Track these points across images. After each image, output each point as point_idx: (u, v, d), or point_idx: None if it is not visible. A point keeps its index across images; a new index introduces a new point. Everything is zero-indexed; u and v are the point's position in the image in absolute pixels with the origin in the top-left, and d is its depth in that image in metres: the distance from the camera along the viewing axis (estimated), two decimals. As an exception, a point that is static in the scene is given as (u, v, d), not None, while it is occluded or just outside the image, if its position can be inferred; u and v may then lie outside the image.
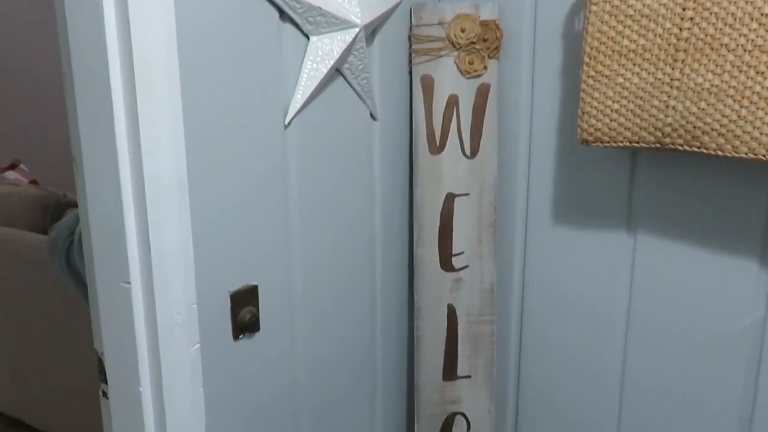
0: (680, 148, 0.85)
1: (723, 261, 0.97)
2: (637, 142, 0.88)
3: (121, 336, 0.82)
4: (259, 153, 0.87)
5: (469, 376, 1.18)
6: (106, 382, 0.89)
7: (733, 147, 0.80)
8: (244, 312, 0.89)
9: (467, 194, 1.13)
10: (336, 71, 0.95)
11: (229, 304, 0.87)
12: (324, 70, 0.91)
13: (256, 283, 0.90)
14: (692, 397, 1.04)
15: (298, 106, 0.91)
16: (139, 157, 0.75)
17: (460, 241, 1.14)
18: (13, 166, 3.14)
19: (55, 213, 2.34)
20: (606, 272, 1.08)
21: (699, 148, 0.83)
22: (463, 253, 1.15)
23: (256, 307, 0.91)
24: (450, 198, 1.13)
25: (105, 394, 0.90)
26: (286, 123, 0.90)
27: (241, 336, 0.90)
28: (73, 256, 1.84)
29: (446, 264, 1.15)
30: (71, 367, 2.11)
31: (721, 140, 0.81)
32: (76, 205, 2.33)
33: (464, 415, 1.19)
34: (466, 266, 1.15)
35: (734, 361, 0.99)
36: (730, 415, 1.01)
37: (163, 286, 0.78)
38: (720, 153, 0.81)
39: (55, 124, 3.58)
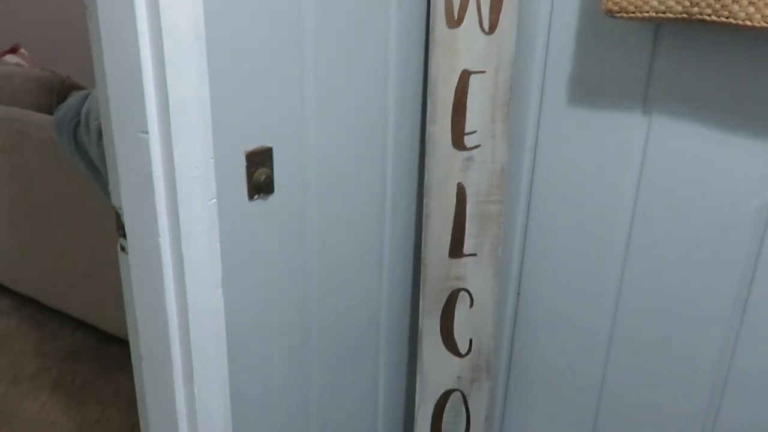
0: (707, 18, 0.83)
1: (737, 143, 0.97)
2: (664, 12, 0.86)
3: (139, 188, 0.83)
4: (277, 14, 0.86)
5: (475, 254, 1.21)
6: (125, 236, 0.91)
7: (762, 16, 0.79)
8: (259, 173, 0.90)
9: (483, 71, 1.11)
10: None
11: (244, 163, 0.88)
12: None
13: (271, 146, 0.91)
14: (691, 283, 1.06)
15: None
16: (157, 6, 0.74)
17: (473, 119, 1.13)
18: (13, 50, 3.08)
19: (60, 95, 2.31)
20: (617, 155, 1.08)
21: (727, 18, 0.81)
22: (475, 132, 1.14)
23: (271, 169, 0.92)
24: (465, 75, 1.12)
25: (123, 249, 0.93)
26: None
27: (255, 196, 0.91)
28: (80, 136, 1.84)
29: (458, 142, 1.15)
30: (79, 244, 2.16)
31: (751, 9, 0.79)
32: (80, 88, 2.31)
33: (468, 291, 1.23)
34: (478, 145, 1.15)
35: (737, 245, 1.01)
36: (726, 299, 1.04)
37: (180, 138, 0.78)
38: (749, 23, 0.80)
39: (55, 9, 3.48)
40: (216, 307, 0.89)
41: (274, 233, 0.96)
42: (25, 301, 2.56)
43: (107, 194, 1.86)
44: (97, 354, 2.30)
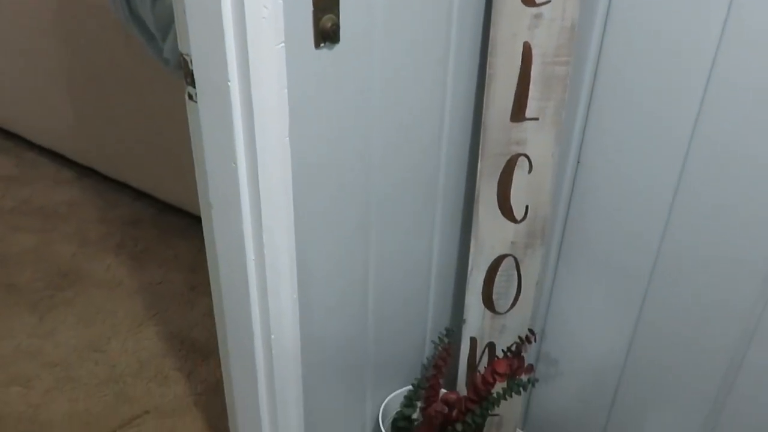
0: None
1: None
2: None
3: (208, 31, 0.82)
4: None
5: (537, 119, 1.19)
6: (193, 84, 0.92)
7: None
8: (326, 19, 0.88)
9: None
10: None
11: (311, 7, 0.86)
12: None
13: (337, -9, 0.88)
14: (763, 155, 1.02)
15: None
16: None
17: (544, -28, 1.08)
18: None
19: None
20: (698, 11, 1.02)
21: None
22: (546, -14, 1.09)
23: (337, 16, 0.90)
24: None
25: (191, 97, 0.94)
26: None
27: (321, 45, 0.90)
28: (134, 1, 1.82)
29: (527, -2, 1.10)
30: (138, 113, 2.19)
31: None
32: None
33: (527, 157, 1.22)
34: (548, 1, 1.10)
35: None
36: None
37: (250, -26, 0.77)
38: None
39: None
40: (284, 156, 0.90)
41: (339, 85, 0.95)
42: (85, 172, 2.66)
43: (162, 61, 1.87)
44: (156, 222, 2.40)
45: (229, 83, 0.83)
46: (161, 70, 1.87)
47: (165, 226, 2.37)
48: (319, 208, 1.02)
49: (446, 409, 1.15)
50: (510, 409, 1.41)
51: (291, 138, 0.90)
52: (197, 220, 2.31)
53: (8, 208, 2.44)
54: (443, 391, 1.39)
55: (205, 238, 1.10)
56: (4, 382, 1.67)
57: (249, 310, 1.02)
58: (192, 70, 0.89)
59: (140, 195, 2.49)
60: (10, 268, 2.11)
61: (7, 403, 1.61)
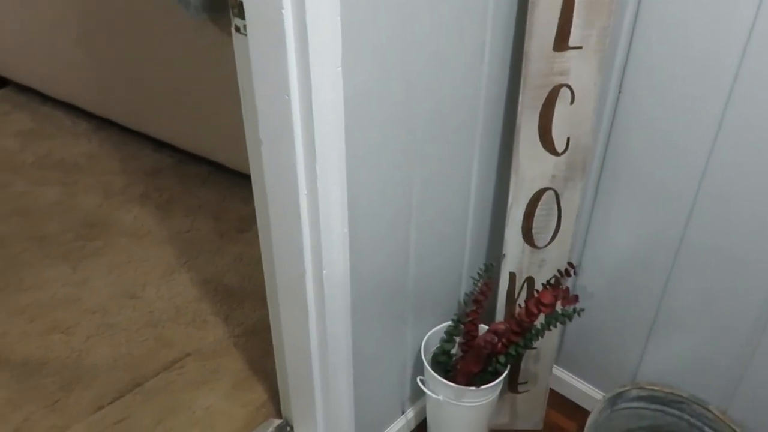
0: None
1: None
2: None
3: (260, -44, 0.80)
4: None
5: (581, 47, 1.16)
6: (241, 15, 0.90)
7: None
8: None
9: None
10: None
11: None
12: None
13: None
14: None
15: None
16: None
17: None
18: None
19: None
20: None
21: None
22: None
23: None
24: None
25: (239, 29, 0.92)
26: None
27: (372, -30, 0.87)
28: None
29: None
30: (156, 63, 2.16)
31: None
32: None
33: (570, 87, 1.20)
34: None
35: None
36: None
37: None
38: None
39: None
40: (336, 86, 0.89)
41: (387, 12, 0.93)
42: (101, 124, 2.64)
43: (182, 3, 1.82)
44: (176, 172, 2.40)
45: (282, 11, 0.82)
46: (178, 15, 1.84)
47: (186, 175, 2.37)
48: (368, 141, 1.01)
49: (495, 339, 1.17)
50: (547, 343, 1.43)
51: (343, 67, 0.89)
52: (218, 168, 2.32)
53: (29, 162, 2.44)
54: (482, 326, 1.41)
55: (252, 176, 1.10)
56: (46, 330, 1.70)
57: (301, 246, 1.03)
58: (241, 1, 0.87)
59: (159, 145, 2.48)
60: (38, 221, 2.12)
61: (50, 349, 1.64)
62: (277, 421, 1.45)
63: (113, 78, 2.37)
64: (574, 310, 1.20)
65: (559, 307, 1.25)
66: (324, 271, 1.05)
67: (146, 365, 1.60)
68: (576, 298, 1.18)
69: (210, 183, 2.31)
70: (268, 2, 0.82)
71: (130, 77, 2.29)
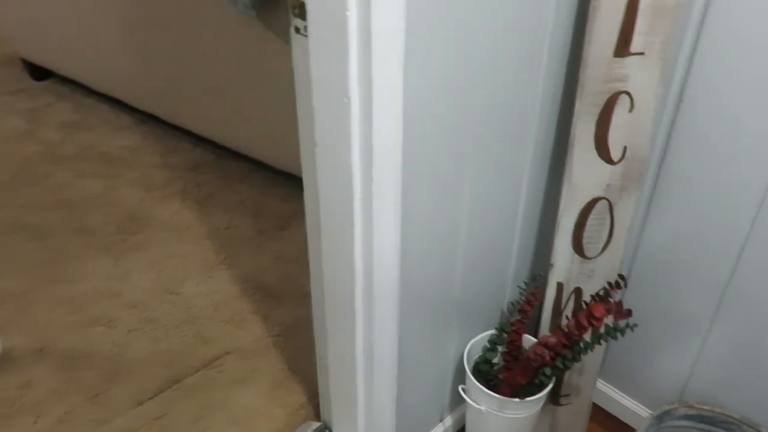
0: None
1: None
2: None
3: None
4: None
5: (643, 53, 1.13)
6: (302, 16, 0.88)
7: None
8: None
9: None
10: None
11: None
12: None
13: None
14: None
15: None
16: None
17: None
18: None
19: None
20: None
21: None
22: None
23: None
24: None
25: (299, 30, 0.91)
26: None
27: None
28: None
29: (640, -77, 1.03)
30: (199, 58, 2.16)
31: None
32: None
33: (629, 94, 1.16)
34: (664, -75, 1.03)
35: None
36: None
37: None
38: None
39: None
40: (397, 91, 0.87)
41: (447, 18, 0.91)
42: (144, 118, 2.67)
43: (233, 2, 1.82)
44: (217, 168, 2.41)
45: (347, 13, 0.80)
46: (223, 10, 1.83)
47: (226, 171, 2.38)
48: (422, 147, 1.00)
49: (545, 352, 1.14)
50: (591, 355, 1.40)
51: (404, 73, 0.87)
52: (257, 165, 2.32)
53: (72, 154, 2.47)
54: (526, 336, 1.38)
55: (304, 178, 1.09)
56: (88, 322, 1.71)
57: (352, 250, 1.01)
58: (303, 2, 0.86)
59: (200, 140, 2.49)
60: (80, 213, 2.14)
61: (92, 342, 1.65)
62: (316, 424, 1.44)
63: (156, 72, 2.38)
64: (627, 325, 1.16)
65: (609, 320, 1.22)
66: (375, 277, 1.03)
67: (186, 361, 1.60)
68: (629, 313, 1.15)
69: (250, 180, 2.32)
70: (334, 4, 0.81)
71: (172, 72, 2.30)
